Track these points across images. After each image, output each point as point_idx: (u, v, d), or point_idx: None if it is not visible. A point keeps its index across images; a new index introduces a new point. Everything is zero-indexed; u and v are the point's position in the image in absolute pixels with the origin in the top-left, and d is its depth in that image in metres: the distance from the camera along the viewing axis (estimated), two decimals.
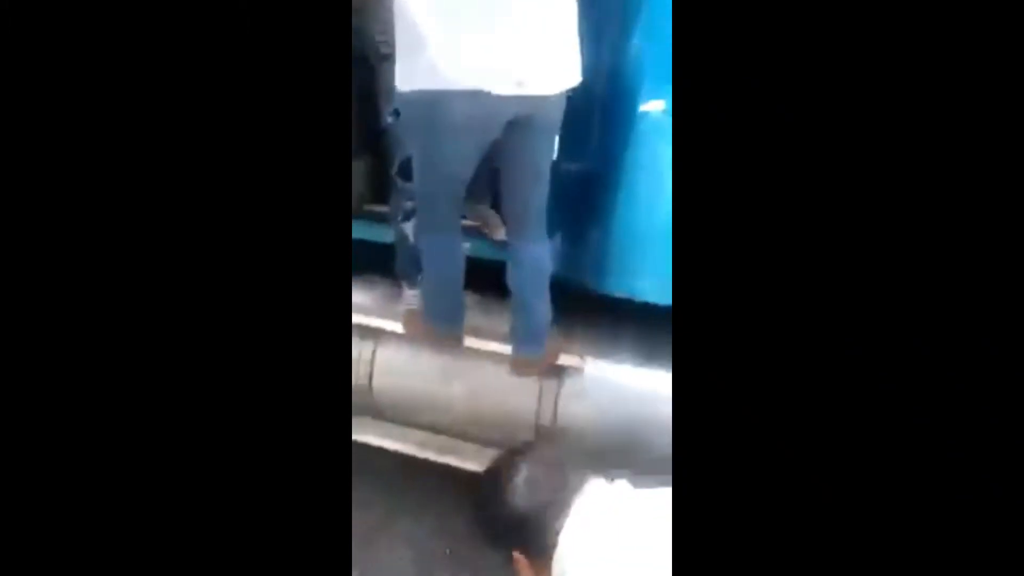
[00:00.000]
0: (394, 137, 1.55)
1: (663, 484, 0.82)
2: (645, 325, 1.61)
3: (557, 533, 0.85)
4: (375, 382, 1.80)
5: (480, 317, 1.69)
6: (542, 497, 0.87)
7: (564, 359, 1.61)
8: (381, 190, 1.81)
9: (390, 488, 1.89)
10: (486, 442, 1.73)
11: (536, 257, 1.50)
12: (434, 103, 1.27)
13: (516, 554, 0.93)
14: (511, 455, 0.99)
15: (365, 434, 1.78)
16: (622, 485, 0.89)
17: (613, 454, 1.62)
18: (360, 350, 1.81)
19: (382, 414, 1.83)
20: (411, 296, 1.72)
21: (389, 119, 1.50)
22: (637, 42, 1.45)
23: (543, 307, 1.53)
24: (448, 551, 1.73)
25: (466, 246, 1.60)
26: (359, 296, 1.87)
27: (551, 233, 1.53)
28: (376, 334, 1.80)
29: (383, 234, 1.74)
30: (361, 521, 1.78)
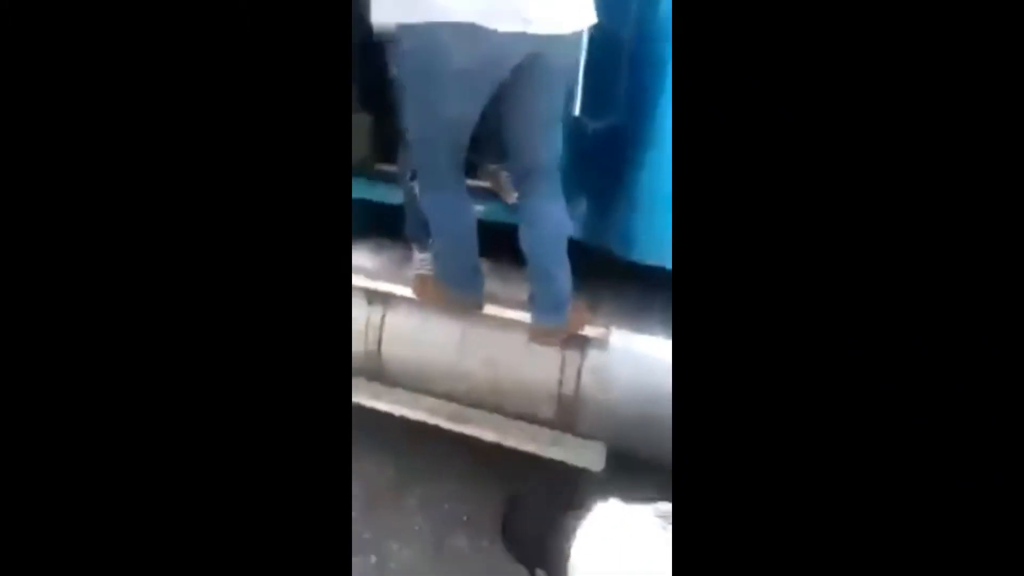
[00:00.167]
0: (400, 87, 1.41)
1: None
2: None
3: (568, 554, 0.88)
4: (384, 348, 1.72)
5: (497, 284, 1.59)
6: (552, 521, 0.92)
7: (589, 330, 1.51)
8: (389, 147, 1.68)
9: (401, 455, 1.85)
10: (505, 412, 1.67)
11: (550, 218, 1.36)
12: (426, 39, 1.12)
13: (540, 572, 0.97)
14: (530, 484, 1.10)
15: (375, 400, 1.71)
16: (627, 506, 0.92)
17: (637, 428, 1.56)
18: (369, 315, 1.72)
19: (392, 380, 1.76)
20: (421, 260, 1.61)
21: (396, 68, 1.35)
22: None
23: (562, 273, 1.41)
24: (465, 518, 1.71)
25: (479, 209, 1.48)
26: (367, 260, 1.77)
27: (574, 197, 1.40)
28: (385, 299, 1.71)
29: (392, 195, 1.62)
30: (374, 488, 1.78)
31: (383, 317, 1.72)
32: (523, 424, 1.65)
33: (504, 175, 1.56)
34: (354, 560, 1.52)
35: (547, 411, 1.63)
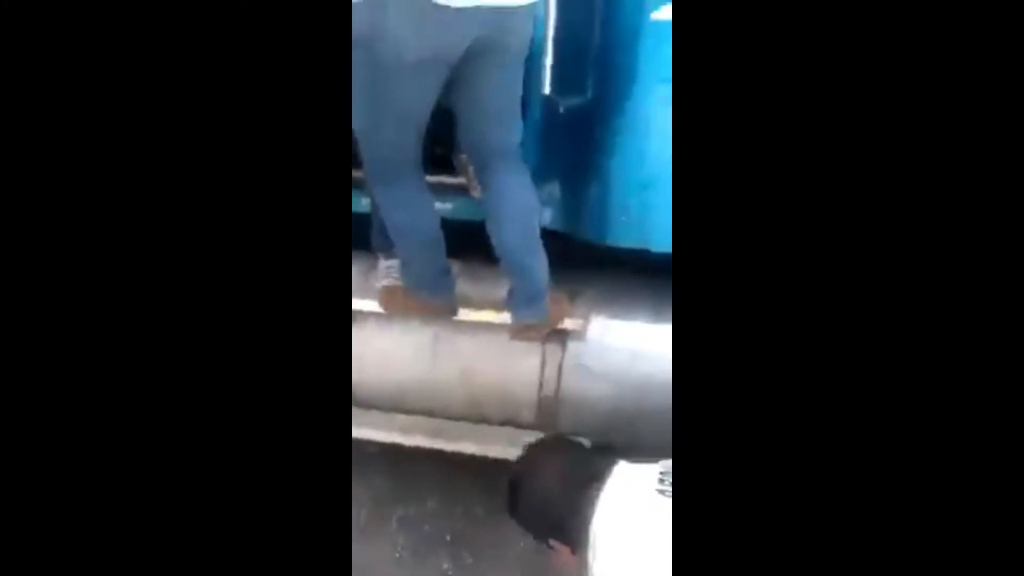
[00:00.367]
0: None
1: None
2: (656, 278, 1.50)
3: (588, 522, 0.85)
4: (353, 370, 1.64)
5: (469, 286, 1.54)
6: (570, 490, 0.90)
7: (568, 323, 1.46)
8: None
9: (378, 478, 1.75)
10: (485, 421, 1.60)
11: (517, 204, 1.30)
12: (373, 18, 1.06)
13: (556, 543, 0.94)
14: (536, 450, 1.05)
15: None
16: (647, 468, 0.90)
17: (623, 421, 1.52)
18: None
19: (366, 403, 1.67)
20: (386, 269, 1.56)
21: None
22: None
23: (538, 263, 1.36)
24: (448, 537, 1.63)
25: (445, 207, 1.45)
26: None
27: (545, 181, 1.38)
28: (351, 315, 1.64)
29: (356, 203, 1.57)
30: (352, 517, 1.67)
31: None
32: (504, 431, 1.59)
33: (471, 167, 1.53)
34: None
35: (528, 415, 1.57)
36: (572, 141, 1.42)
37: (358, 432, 1.61)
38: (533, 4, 1.15)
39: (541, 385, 1.51)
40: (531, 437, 1.60)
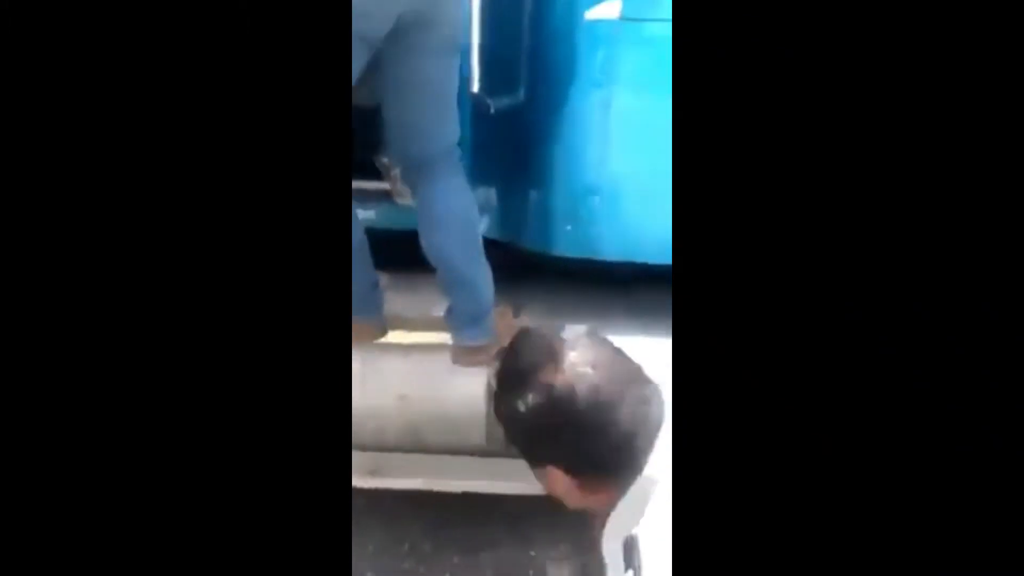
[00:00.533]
0: None
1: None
2: (603, 288, 1.39)
3: (645, 454, 0.70)
4: None
5: (401, 302, 1.39)
6: (611, 402, 0.71)
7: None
8: None
9: None
10: (427, 450, 1.46)
11: (456, 212, 1.17)
12: None
13: (553, 469, 0.75)
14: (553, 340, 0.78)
15: None
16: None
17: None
18: None
19: None
20: None
21: None
22: None
23: (480, 276, 1.23)
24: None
25: (368, 215, 1.28)
26: None
27: (480, 188, 1.24)
28: None
29: None
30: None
31: None
32: (450, 459, 1.46)
33: (395, 170, 1.35)
34: None
35: (477, 439, 1.44)
36: (507, 144, 1.30)
37: None
38: None
39: (489, 413, 1.38)
40: (482, 464, 1.49)
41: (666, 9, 1.09)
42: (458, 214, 1.18)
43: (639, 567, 0.62)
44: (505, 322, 1.31)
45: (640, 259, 1.32)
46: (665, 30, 1.10)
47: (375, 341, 1.35)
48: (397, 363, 1.41)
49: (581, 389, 0.70)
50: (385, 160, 1.36)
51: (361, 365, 1.43)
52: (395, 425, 1.43)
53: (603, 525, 0.75)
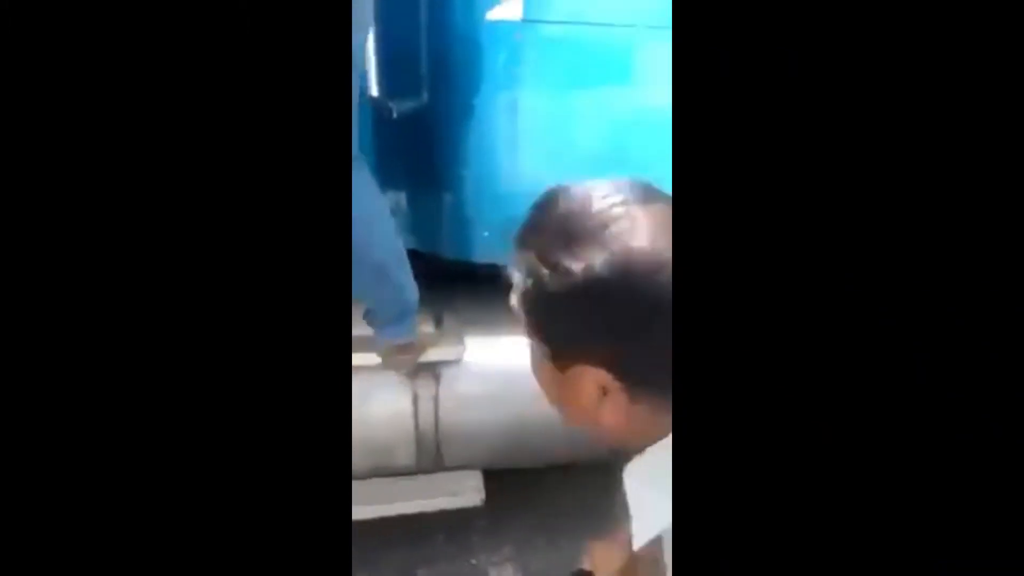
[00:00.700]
0: None
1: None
2: None
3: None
4: None
5: None
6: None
7: (437, 351, 1.31)
8: None
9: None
10: (354, 474, 1.39)
11: (369, 204, 1.10)
12: None
13: (592, 370, 0.56)
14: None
15: None
16: None
17: (516, 447, 1.39)
18: None
19: None
20: None
21: None
22: None
23: (400, 270, 1.18)
24: None
25: None
26: None
27: (388, 190, 1.19)
28: None
29: None
30: None
31: None
32: (377, 484, 1.40)
33: None
34: None
35: (405, 458, 1.39)
36: (413, 149, 1.24)
37: None
38: None
39: (417, 423, 1.33)
40: (410, 483, 1.44)
41: (566, 11, 1.08)
42: (370, 209, 1.11)
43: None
44: (425, 331, 1.26)
45: None
46: (568, 30, 1.09)
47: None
48: None
49: (664, 256, 0.54)
50: None
51: None
52: None
53: (625, 463, 0.63)
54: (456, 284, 1.40)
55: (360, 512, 1.33)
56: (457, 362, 1.33)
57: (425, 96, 1.20)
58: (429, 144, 1.23)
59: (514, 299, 0.59)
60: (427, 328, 1.32)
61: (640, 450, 0.61)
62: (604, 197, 0.57)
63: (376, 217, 1.13)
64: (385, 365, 1.26)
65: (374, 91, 1.15)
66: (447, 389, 1.34)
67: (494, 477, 1.46)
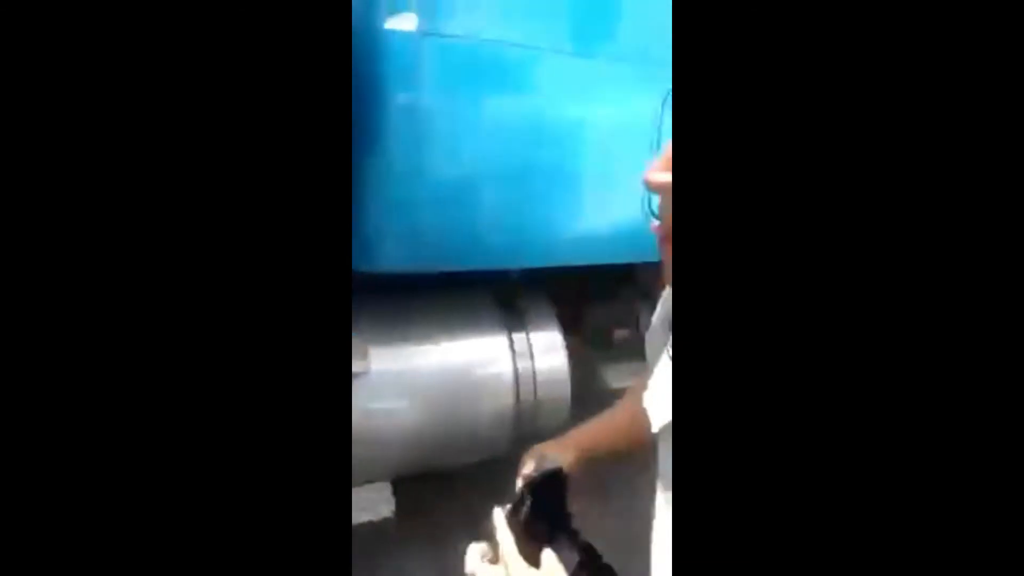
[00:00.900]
0: None
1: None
2: (425, 297, 1.38)
3: None
4: None
5: None
6: None
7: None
8: None
9: None
10: None
11: None
12: None
13: None
14: None
15: None
16: None
17: (433, 450, 1.40)
18: None
19: None
20: None
21: None
22: None
23: None
24: None
25: None
26: None
27: None
28: None
29: None
30: None
31: None
32: None
33: None
34: None
35: None
36: None
37: None
38: None
39: None
40: None
41: (464, 25, 1.10)
42: None
43: None
44: None
45: (466, 266, 1.32)
46: (467, 42, 1.11)
47: None
48: None
49: None
50: None
51: None
52: None
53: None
54: (359, 295, 1.38)
55: None
56: (364, 374, 1.33)
57: None
58: None
59: None
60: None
61: None
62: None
63: None
64: None
65: None
66: (359, 401, 1.32)
67: (403, 487, 1.47)
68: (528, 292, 1.53)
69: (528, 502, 0.74)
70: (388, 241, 1.21)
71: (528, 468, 0.83)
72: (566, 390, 1.49)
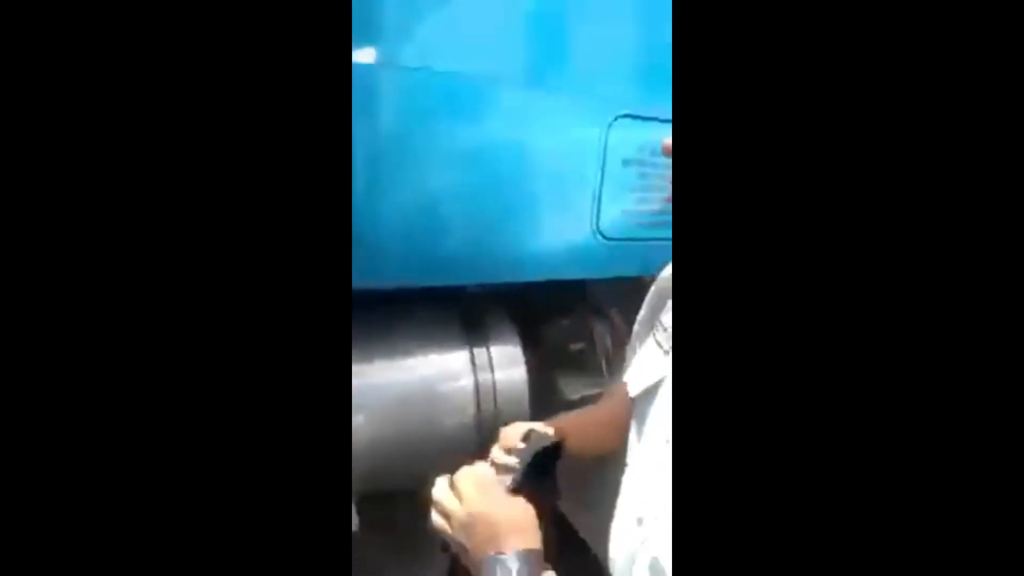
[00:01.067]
0: None
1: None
2: (390, 313, 1.44)
3: None
4: None
5: None
6: None
7: None
8: None
9: None
10: None
11: None
12: None
13: None
14: None
15: None
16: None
17: (379, 463, 1.44)
18: None
19: None
20: None
21: None
22: None
23: None
24: None
25: None
26: None
27: None
28: None
29: None
30: None
31: None
32: None
33: None
34: None
35: None
36: None
37: None
38: None
39: None
40: None
41: (421, 58, 1.19)
42: None
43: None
44: None
45: (426, 283, 1.39)
46: (423, 72, 1.20)
47: None
48: None
49: None
50: None
51: None
52: None
53: None
54: None
55: None
56: None
57: None
58: None
59: None
60: None
61: None
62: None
63: None
64: None
65: None
66: None
67: (367, 503, 1.49)
68: (488, 308, 1.60)
69: (522, 469, 0.74)
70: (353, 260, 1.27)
71: (513, 442, 0.84)
72: (525, 402, 1.55)
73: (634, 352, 0.87)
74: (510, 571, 0.64)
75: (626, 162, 1.45)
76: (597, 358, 1.70)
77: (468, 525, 0.71)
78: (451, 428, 1.49)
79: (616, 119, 1.41)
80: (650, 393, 0.71)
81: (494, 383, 1.52)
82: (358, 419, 1.39)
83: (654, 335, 0.80)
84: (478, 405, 1.49)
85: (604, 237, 1.47)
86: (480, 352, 1.52)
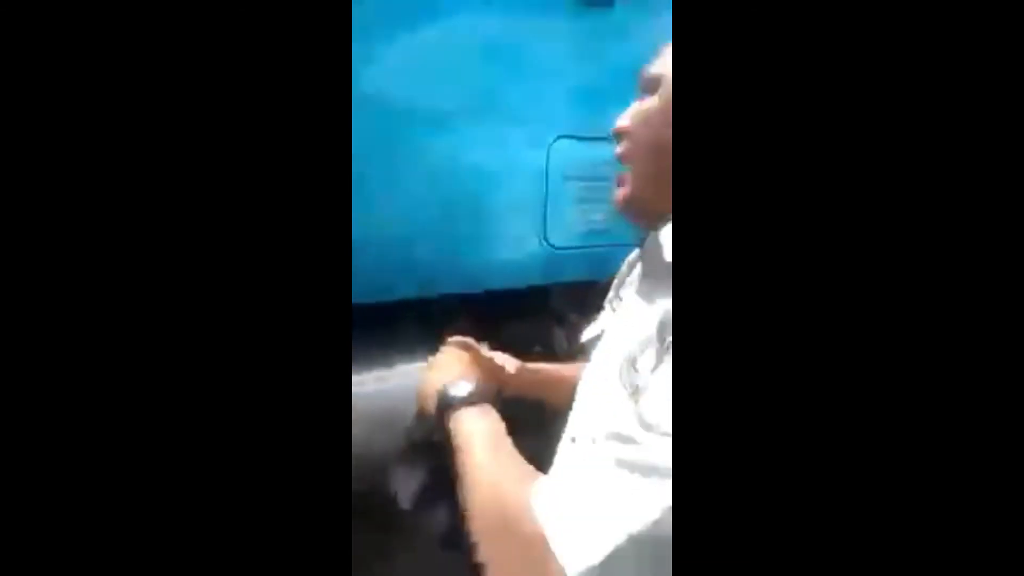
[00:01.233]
0: None
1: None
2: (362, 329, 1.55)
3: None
4: None
5: None
6: None
7: None
8: None
9: None
10: None
11: None
12: None
13: None
14: None
15: None
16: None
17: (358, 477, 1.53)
18: None
19: None
20: None
21: None
22: None
23: None
24: None
25: None
26: None
27: None
28: None
29: None
30: None
31: None
32: None
33: None
34: None
35: None
36: None
37: None
38: None
39: None
40: None
41: (379, 89, 1.33)
42: None
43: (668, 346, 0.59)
44: None
45: (392, 296, 1.51)
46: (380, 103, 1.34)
47: None
48: None
49: None
50: None
51: None
52: None
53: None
54: None
55: None
56: None
57: None
58: None
59: None
60: None
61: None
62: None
63: None
64: None
65: None
66: None
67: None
68: (449, 316, 1.72)
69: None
70: None
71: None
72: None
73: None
74: (463, 389, 0.77)
75: (567, 178, 1.62)
76: (557, 358, 1.82)
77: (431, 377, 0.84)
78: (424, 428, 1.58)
79: (556, 140, 1.58)
80: (595, 340, 0.83)
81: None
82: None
83: (610, 303, 0.91)
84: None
85: (552, 246, 1.63)
86: None
